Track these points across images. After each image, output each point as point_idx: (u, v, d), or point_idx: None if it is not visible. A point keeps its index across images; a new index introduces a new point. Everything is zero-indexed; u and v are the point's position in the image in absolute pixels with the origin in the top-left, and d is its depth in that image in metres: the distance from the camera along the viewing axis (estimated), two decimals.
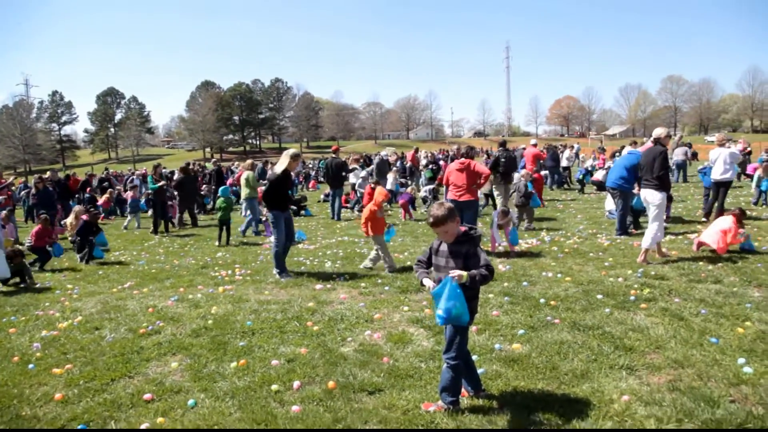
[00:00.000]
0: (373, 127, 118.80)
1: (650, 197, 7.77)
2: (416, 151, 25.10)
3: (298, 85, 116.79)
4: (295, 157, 7.99)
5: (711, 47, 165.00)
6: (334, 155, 15.64)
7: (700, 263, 7.45)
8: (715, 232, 7.85)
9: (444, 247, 3.71)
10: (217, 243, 11.49)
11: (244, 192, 12.75)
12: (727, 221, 8.00)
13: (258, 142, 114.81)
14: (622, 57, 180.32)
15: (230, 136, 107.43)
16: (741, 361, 4.20)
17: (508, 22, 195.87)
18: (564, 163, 21.44)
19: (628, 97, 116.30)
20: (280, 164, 7.95)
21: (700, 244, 8.10)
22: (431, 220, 3.60)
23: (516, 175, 12.55)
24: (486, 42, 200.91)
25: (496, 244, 8.82)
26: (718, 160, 10.94)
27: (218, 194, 13.06)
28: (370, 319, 5.70)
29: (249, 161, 14.53)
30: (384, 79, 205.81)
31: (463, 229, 3.67)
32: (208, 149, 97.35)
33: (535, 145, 17.59)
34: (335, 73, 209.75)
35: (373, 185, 13.22)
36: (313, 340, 5.16)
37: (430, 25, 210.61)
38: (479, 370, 4.19)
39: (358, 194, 15.83)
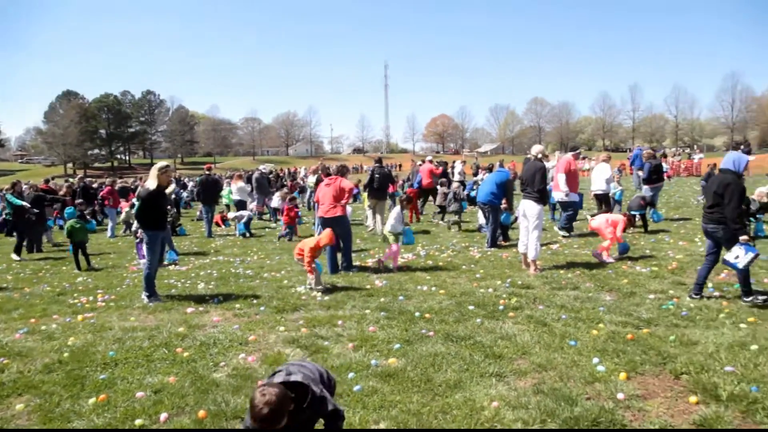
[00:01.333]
0: (251, 143, 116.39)
1: (530, 209, 8.20)
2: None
3: (172, 98, 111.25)
4: (163, 171, 7.51)
5: (569, 71, 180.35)
6: (207, 172, 15.50)
7: (561, 271, 8.03)
8: (608, 225, 8.73)
9: None
10: (76, 269, 10.54)
11: None
12: (618, 217, 8.93)
13: (127, 158, 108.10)
14: (493, 78, 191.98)
15: (96, 151, 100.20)
16: (595, 360, 4.55)
17: (386, 41, 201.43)
18: (456, 178, 22.28)
19: (498, 116, 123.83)
20: (151, 179, 7.45)
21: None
22: (259, 425, 2.63)
23: (453, 185, 14.89)
24: (365, 60, 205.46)
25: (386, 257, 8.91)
26: (599, 175, 12.03)
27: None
28: (244, 342, 5.50)
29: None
30: (262, 95, 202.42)
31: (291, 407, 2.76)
32: (70, 164, 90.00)
33: (431, 161, 18.65)
34: (212, 86, 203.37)
35: (289, 203, 13.47)
36: (183, 368, 4.87)
37: (309, 41, 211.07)
38: (355, 387, 4.18)
39: (251, 213, 15.44)
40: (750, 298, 6.06)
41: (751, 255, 5.83)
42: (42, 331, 6.22)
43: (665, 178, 17.18)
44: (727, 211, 5.92)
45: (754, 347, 4.68)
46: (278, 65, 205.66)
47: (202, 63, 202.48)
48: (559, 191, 11.21)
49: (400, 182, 19.67)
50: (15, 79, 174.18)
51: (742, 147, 11.59)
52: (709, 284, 6.94)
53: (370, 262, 9.51)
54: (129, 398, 4.27)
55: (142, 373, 4.78)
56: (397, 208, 8.98)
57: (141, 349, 5.42)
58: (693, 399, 3.84)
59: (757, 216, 10.52)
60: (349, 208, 9.55)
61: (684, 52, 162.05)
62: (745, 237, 5.90)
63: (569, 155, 11.47)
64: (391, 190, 18.53)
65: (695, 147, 79.08)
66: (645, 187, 13.83)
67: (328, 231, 7.71)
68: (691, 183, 26.78)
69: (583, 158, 17.42)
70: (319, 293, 7.30)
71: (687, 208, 15.85)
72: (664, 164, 19.99)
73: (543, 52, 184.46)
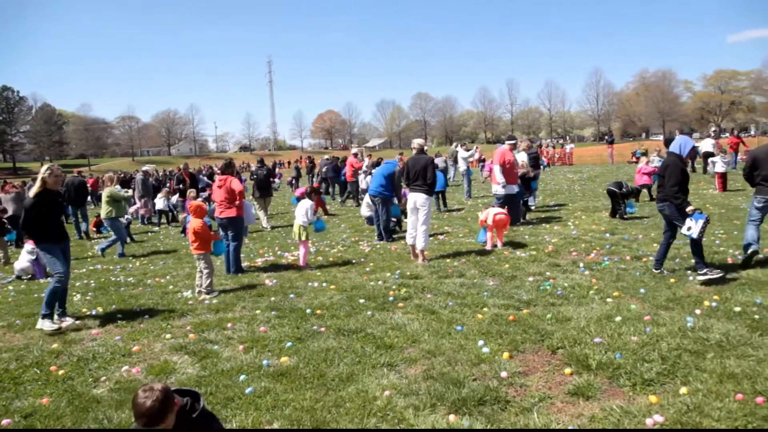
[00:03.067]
0: (130, 143, 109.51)
1: (420, 201, 8.39)
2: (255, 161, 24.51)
3: (35, 96, 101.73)
4: (50, 174, 6.47)
5: (450, 66, 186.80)
6: (75, 174, 15.18)
7: (448, 260, 8.33)
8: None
9: None
10: None
11: (105, 210, 10.96)
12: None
13: None
14: (378, 73, 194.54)
15: None
16: (480, 343, 4.78)
17: (269, 38, 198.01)
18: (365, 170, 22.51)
19: (384, 111, 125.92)
20: (35, 185, 6.51)
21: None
22: (142, 420, 2.51)
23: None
24: (248, 57, 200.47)
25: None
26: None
27: None
28: (127, 353, 5.20)
29: (110, 174, 12.47)
30: (139, 92, 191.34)
31: (178, 407, 2.63)
32: None
33: (355, 155, 19.01)
34: (81, 84, 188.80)
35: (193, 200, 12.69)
36: (59, 387, 4.52)
37: (188, 35, 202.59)
38: (247, 390, 4.09)
39: (129, 217, 14.60)
40: (704, 271, 6.26)
41: (701, 222, 6.23)
42: None
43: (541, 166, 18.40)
44: (666, 188, 6.44)
45: (618, 319, 5.14)
46: (156, 60, 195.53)
47: (69, 58, 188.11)
48: (496, 184, 10.80)
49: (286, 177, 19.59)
50: None
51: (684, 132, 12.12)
52: (581, 264, 7.52)
53: (259, 261, 9.34)
54: None
55: (9, 398, 4.38)
56: (305, 201, 8.74)
57: (7, 371, 4.95)
58: (568, 370, 4.14)
59: (627, 199, 11.43)
60: (253, 210, 9.12)
61: (554, 49, 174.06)
62: (691, 207, 6.33)
63: (505, 146, 11.22)
64: (299, 193, 18.56)
65: (567, 138, 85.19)
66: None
67: (196, 202, 7.65)
68: (564, 171, 28.76)
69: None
70: (208, 296, 7.07)
71: (561, 195, 17.02)
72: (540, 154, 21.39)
73: (426, 47, 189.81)
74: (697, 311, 5.26)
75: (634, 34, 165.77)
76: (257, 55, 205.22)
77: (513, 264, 7.81)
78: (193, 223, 7.40)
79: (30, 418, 4.00)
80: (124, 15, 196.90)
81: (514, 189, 10.85)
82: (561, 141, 70.43)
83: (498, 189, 10.76)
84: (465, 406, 3.69)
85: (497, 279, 7.13)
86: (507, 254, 8.50)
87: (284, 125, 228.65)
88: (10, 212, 13.40)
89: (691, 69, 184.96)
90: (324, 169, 21.36)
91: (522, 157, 12.79)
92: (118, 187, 12.13)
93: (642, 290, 6.08)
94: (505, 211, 9.33)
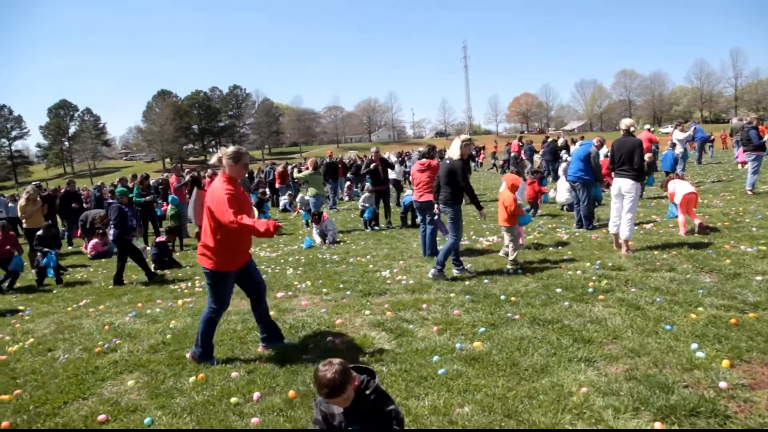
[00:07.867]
0: (335, 131, 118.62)
1: (626, 186, 7.67)
2: (511, 143, 25.02)
3: (257, 92, 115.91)
4: (467, 143, 7.34)
5: (660, 40, 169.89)
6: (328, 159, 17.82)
7: (655, 252, 7.62)
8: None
9: (338, 410, 2.95)
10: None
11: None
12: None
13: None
14: (577, 52, 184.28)
15: (190, 146, 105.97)
16: (694, 346, 4.29)
17: (464, 21, 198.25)
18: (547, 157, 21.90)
19: (584, 92, 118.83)
20: (455, 150, 7.27)
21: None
22: (324, 390, 2.80)
23: None
24: (444, 41, 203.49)
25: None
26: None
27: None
28: (331, 325, 5.65)
29: (313, 159, 14.01)
30: (343, 83, 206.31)
31: (357, 383, 2.91)
32: (167, 160, 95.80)
33: (649, 130, 17.94)
34: (294, 78, 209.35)
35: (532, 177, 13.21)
36: (274, 350, 5.09)
37: (387, 26, 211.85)
38: (440, 371, 4.19)
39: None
40: None
41: None
42: (147, 315, 6.70)
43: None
44: None
45: None
46: (358, 52, 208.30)
47: (284, 55, 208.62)
48: None
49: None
50: (116, 84, 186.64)
51: None
52: None
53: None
54: (225, 377, 4.52)
55: (236, 355, 5.04)
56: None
57: (235, 331, 5.71)
58: None
59: None
60: None
61: None
62: None
63: None
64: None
65: None
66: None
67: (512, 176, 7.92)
68: None
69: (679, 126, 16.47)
70: (510, 267, 7.43)
71: None
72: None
73: (630, 19, 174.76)
74: None
75: None
76: (453, 40, 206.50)
77: (736, 259, 6.85)
78: (505, 195, 7.77)
79: (252, 373, 4.55)
80: (326, 14, 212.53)
81: None
82: None
83: None
84: (674, 415, 3.35)
85: (715, 276, 6.33)
86: (728, 248, 7.48)
87: (479, 109, 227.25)
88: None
89: None
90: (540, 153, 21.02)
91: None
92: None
93: None
94: (694, 188, 8.37)
